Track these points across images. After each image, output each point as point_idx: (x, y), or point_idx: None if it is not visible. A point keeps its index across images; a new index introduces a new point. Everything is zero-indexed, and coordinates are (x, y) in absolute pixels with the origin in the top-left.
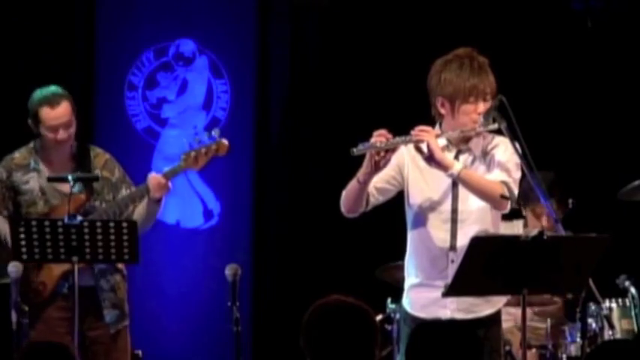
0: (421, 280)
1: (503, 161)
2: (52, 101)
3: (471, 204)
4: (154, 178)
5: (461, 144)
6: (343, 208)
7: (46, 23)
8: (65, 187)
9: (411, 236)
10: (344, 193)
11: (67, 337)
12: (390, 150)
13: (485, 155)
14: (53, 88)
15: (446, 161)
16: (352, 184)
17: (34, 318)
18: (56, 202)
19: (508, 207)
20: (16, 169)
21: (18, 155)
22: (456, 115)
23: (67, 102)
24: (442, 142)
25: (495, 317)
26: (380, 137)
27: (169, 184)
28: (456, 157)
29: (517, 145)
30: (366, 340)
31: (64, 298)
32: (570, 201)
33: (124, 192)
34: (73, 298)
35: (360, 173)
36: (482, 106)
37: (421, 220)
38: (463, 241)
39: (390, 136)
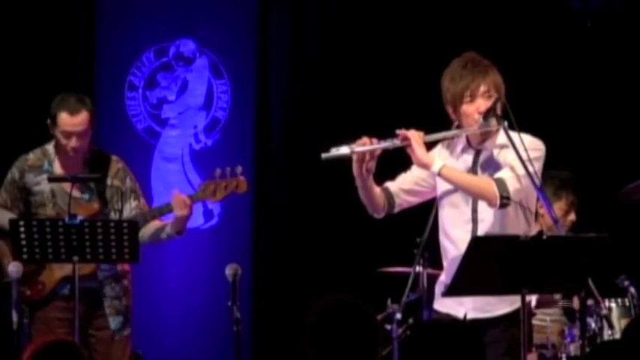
0: (445, 278)
1: (510, 158)
2: (72, 108)
3: None
4: (178, 196)
5: (478, 144)
6: (368, 210)
7: (46, 23)
8: (75, 192)
9: (440, 235)
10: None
11: (68, 337)
12: (375, 153)
13: (499, 153)
14: (78, 96)
15: (425, 160)
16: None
17: (34, 318)
18: (64, 206)
19: (498, 202)
20: (29, 170)
21: (32, 156)
22: (461, 118)
23: (87, 112)
24: (462, 143)
25: (513, 316)
26: (361, 143)
27: (191, 207)
28: (476, 157)
29: (517, 145)
30: (368, 340)
31: (65, 299)
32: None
33: (132, 202)
34: (74, 299)
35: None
36: (482, 105)
37: (447, 219)
38: None
39: (373, 140)
